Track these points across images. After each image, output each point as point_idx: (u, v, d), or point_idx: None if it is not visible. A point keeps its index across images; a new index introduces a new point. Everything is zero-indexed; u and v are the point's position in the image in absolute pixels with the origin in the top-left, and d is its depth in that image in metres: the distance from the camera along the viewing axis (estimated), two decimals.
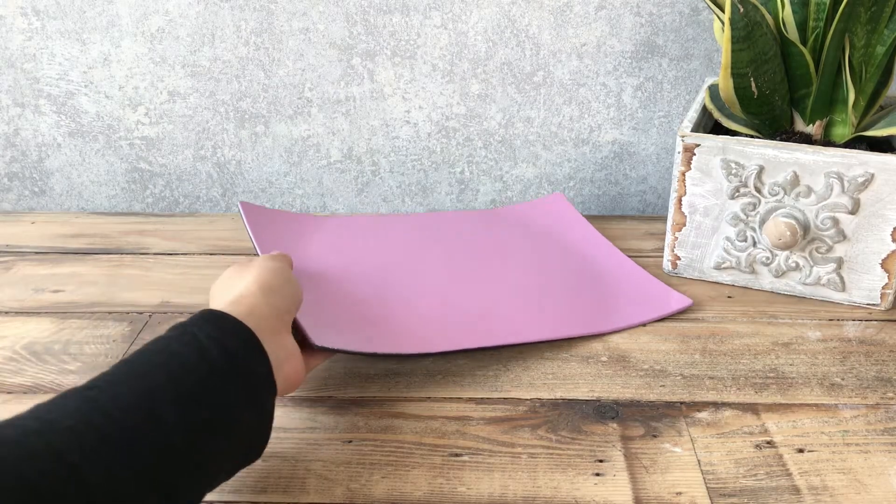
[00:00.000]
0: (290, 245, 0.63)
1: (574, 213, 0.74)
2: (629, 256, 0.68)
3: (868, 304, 0.60)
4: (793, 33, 0.58)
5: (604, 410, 0.50)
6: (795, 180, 0.57)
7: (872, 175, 0.55)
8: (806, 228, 0.58)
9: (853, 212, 0.56)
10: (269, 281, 0.47)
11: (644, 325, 0.59)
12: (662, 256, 0.67)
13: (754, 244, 0.61)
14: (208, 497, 0.44)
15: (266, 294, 0.45)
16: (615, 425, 0.49)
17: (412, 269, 0.63)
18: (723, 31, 0.56)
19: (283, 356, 0.44)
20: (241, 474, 0.45)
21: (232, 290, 0.46)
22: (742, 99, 0.59)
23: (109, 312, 0.61)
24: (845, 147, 0.59)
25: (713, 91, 0.65)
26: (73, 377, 0.54)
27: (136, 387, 0.37)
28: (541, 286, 0.62)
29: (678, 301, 0.61)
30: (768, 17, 0.57)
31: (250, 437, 0.41)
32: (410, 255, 0.66)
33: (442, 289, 0.61)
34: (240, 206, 0.64)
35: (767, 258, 0.61)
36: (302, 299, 0.49)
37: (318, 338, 0.48)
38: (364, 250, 0.66)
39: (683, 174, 0.60)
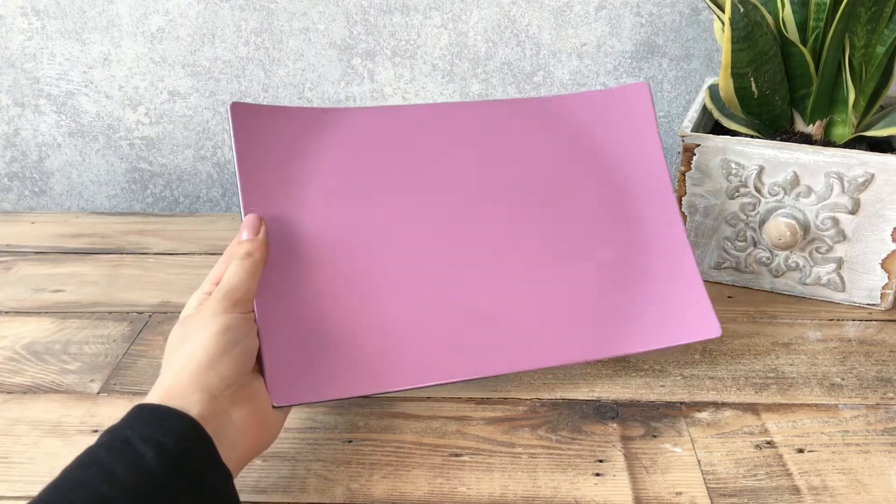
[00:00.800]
0: (281, 176, 0.50)
1: (650, 126, 0.58)
2: None
3: (868, 305, 0.60)
4: (793, 33, 0.58)
5: (604, 410, 0.50)
6: (795, 180, 0.57)
7: (872, 175, 0.55)
8: (806, 228, 0.58)
9: (853, 212, 0.56)
10: (206, 347, 0.41)
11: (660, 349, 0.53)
12: None
13: (754, 244, 0.61)
14: None
15: (213, 361, 0.41)
16: (615, 425, 0.49)
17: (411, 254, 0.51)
18: (723, 31, 0.56)
19: (243, 425, 0.40)
20: (242, 473, 0.45)
21: (173, 361, 0.41)
22: (742, 99, 0.59)
23: (109, 312, 0.61)
24: (845, 147, 0.59)
25: (713, 91, 0.65)
26: (73, 377, 0.54)
27: None
28: (571, 280, 0.52)
29: (709, 329, 0.52)
30: (768, 17, 0.57)
31: None
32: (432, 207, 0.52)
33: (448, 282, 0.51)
34: (229, 110, 0.51)
35: (767, 258, 0.61)
36: (250, 344, 0.43)
37: (279, 397, 0.44)
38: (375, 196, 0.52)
39: (683, 174, 0.60)
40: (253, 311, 0.45)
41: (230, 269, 0.45)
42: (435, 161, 0.53)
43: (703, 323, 0.52)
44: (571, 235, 0.53)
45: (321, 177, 0.51)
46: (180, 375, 0.40)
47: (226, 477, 0.38)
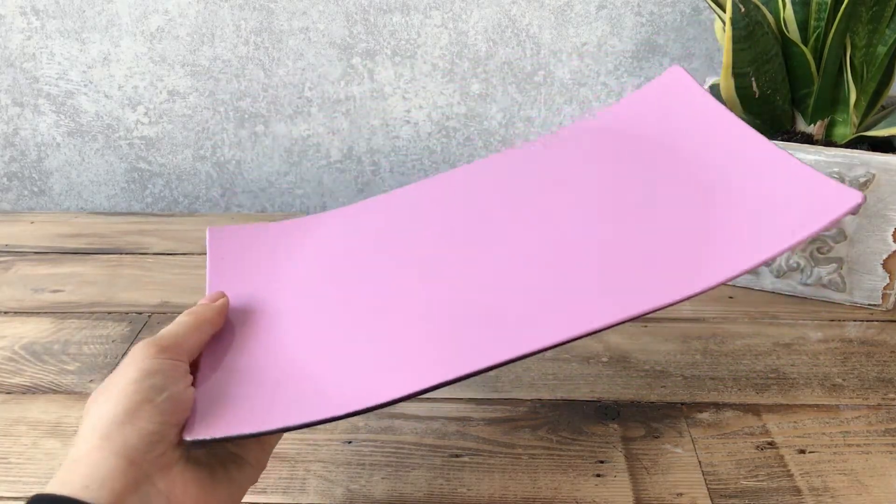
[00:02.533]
0: (254, 279, 0.46)
1: (699, 97, 0.49)
2: None
3: (869, 305, 0.60)
4: (794, 33, 0.58)
5: (604, 411, 0.50)
6: None
7: (874, 175, 0.55)
8: None
9: (854, 212, 0.56)
10: (105, 420, 0.33)
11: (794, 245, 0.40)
12: None
13: None
14: None
15: (107, 441, 0.32)
16: (616, 426, 0.49)
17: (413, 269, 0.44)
18: (724, 30, 0.55)
19: (176, 499, 0.33)
20: None
21: (85, 422, 0.34)
22: (743, 99, 0.59)
23: (109, 312, 0.61)
24: (847, 147, 0.59)
25: (714, 91, 0.65)
26: (73, 377, 0.54)
27: None
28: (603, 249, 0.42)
29: (845, 198, 0.39)
30: (769, 16, 0.57)
31: None
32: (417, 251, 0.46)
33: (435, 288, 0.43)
34: (207, 233, 0.49)
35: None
36: (182, 400, 0.35)
37: (189, 431, 0.35)
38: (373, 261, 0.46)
39: None
40: (185, 360, 0.37)
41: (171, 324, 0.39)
42: (445, 234, 0.46)
43: (829, 195, 0.40)
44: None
45: (295, 284, 0.46)
46: (91, 440, 0.32)
47: None
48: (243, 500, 0.44)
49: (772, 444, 0.47)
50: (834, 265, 0.59)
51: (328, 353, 0.41)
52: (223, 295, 0.43)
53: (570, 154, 0.49)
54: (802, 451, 0.47)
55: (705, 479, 0.45)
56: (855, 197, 0.39)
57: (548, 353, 0.56)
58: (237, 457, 0.37)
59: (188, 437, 0.34)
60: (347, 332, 0.42)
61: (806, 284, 0.61)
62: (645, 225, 0.43)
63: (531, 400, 0.51)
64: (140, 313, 0.61)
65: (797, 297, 0.62)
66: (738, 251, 0.40)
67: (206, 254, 0.62)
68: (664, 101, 0.50)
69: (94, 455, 0.32)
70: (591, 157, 0.48)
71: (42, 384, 0.53)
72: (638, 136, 0.49)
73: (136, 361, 0.35)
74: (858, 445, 0.47)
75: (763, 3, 0.57)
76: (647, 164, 0.47)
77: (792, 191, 0.41)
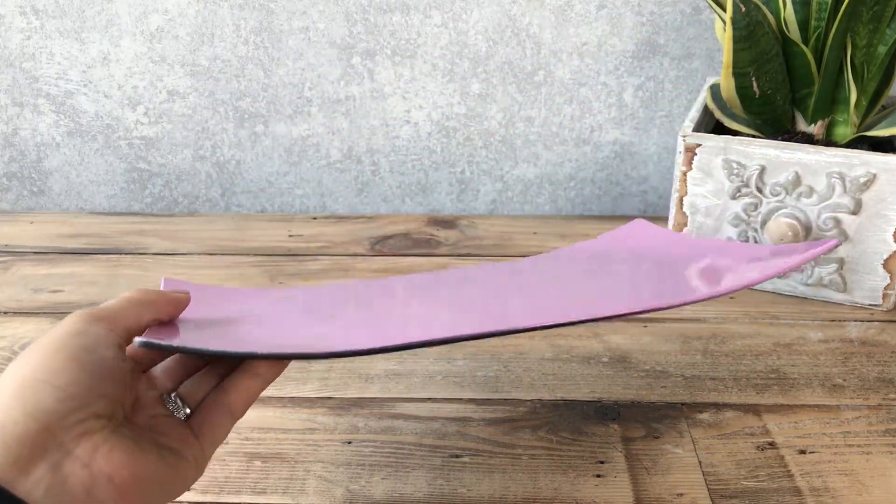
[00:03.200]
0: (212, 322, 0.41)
1: (665, 235, 0.55)
2: None
3: (870, 305, 0.60)
4: (794, 33, 0.58)
5: (605, 411, 0.50)
6: (797, 180, 0.57)
7: (874, 175, 0.55)
8: (807, 229, 0.58)
9: (855, 212, 0.56)
10: (22, 373, 0.29)
11: (786, 272, 0.45)
12: None
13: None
14: (207, 498, 0.43)
15: (19, 397, 0.28)
16: (616, 426, 0.49)
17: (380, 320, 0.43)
18: (724, 30, 0.55)
19: (82, 481, 0.27)
20: (241, 474, 0.45)
21: None
22: (743, 99, 0.59)
23: None
24: (847, 147, 0.59)
25: (715, 91, 0.65)
26: None
27: None
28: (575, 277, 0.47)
29: (822, 245, 0.45)
30: (770, 16, 0.57)
31: None
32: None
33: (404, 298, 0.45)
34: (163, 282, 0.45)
35: None
36: (116, 369, 0.31)
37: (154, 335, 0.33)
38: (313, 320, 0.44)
39: (685, 174, 0.60)
40: (121, 334, 0.33)
41: None
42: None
43: (811, 246, 0.46)
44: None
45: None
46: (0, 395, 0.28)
47: None
48: (243, 501, 0.44)
49: (772, 445, 0.47)
50: (834, 265, 0.59)
51: (304, 331, 0.41)
52: (185, 294, 0.38)
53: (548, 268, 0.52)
54: (803, 452, 0.47)
55: (705, 480, 0.45)
56: (831, 243, 0.46)
57: (548, 354, 0.56)
58: (170, 448, 0.32)
59: (139, 339, 0.32)
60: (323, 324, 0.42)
61: (806, 284, 0.61)
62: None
63: (531, 400, 0.51)
64: None
65: (798, 297, 0.62)
66: (733, 275, 0.44)
67: (205, 254, 0.62)
68: (639, 234, 0.55)
69: (3, 415, 0.27)
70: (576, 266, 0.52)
71: None
72: (616, 251, 0.53)
73: (65, 324, 0.31)
74: (859, 446, 0.47)
75: (763, 3, 0.57)
76: (636, 261, 0.51)
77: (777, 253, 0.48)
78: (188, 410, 0.35)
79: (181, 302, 0.38)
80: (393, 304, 0.45)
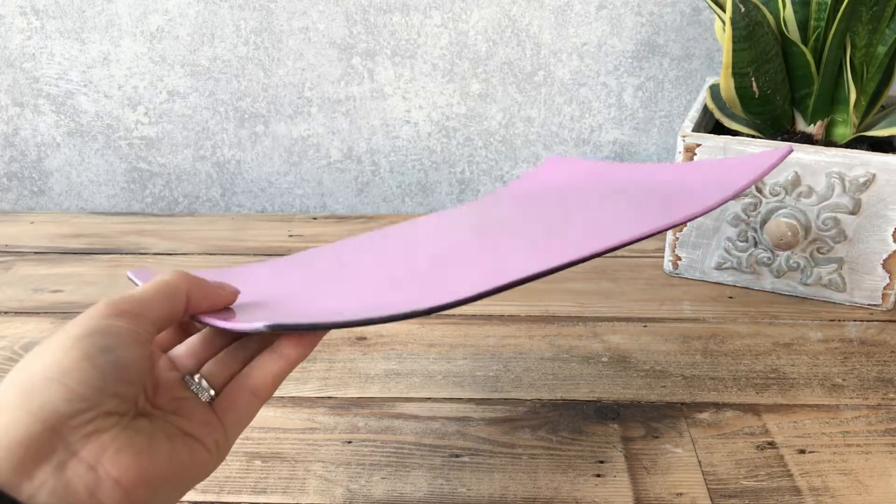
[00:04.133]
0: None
1: (579, 165, 0.55)
2: (629, 257, 0.68)
3: (869, 305, 0.60)
4: (794, 33, 0.58)
5: (604, 411, 0.50)
6: (797, 180, 0.57)
7: (874, 175, 0.55)
8: (807, 229, 0.58)
9: (854, 212, 0.56)
10: (30, 372, 0.28)
11: (744, 190, 0.42)
12: (663, 257, 0.67)
13: (755, 244, 0.61)
14: (207, 497, 0.44)
15: (25, 397, 0.27)
16: (616, 426, 0.49)
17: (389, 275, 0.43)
18: (724, 30, 0.55)
19: (86, 483, 0.27)
20: (241, 474, 0.45)
21: (6, 379, 0.28)
22: (743, 99, 0.59)
23: None
24: (847, 147, 0.59)
25: (714, 91, 0.65)
26: None
27: None
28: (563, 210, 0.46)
29: (773, 154, 0.44)
30: (769, 16, 0.57)
31: None
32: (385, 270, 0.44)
33: (423, 250, 0.44)
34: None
35: (768, 258, 0.61)
36: (136, 365, 0.29)
37: (264, 318, 0.33)
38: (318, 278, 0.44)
39: None
40: (147, 329, 0.31)
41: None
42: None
43: (763, 156, 0.45)
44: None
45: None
46: (7, 395, 0.27)
47: None
48: (242, 501, 0.44)
49: (772, 444, 0.47)
50: (834, 265, 0.59)
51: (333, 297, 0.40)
52: (233, 292, 0.37)
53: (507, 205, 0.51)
54: (802, 451, 0.47)
55: (705, 479, 0.45)
56: (783, 150, 0.44)
57: (548, 353, 0.56)
58: (189, 436, 0.31)
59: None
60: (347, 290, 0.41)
61: (806, 284, 0.61)
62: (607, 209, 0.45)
63: (531, 400, 0.51)
64: None
65: (797, 297, 0.62)
66: (692, 199, 0.42)
67: (205, 254, 0.62)
68: (564, 170, 0.54)
69: (8, 415, 0.26)
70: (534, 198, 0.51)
71: None
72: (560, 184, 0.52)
73: (84, 319, 0.30)
74: (858, 445, 0.47)
75: (763, 3, 0.57)
76: (589, 188, 0.50)
77: (728, 165, 0.46)
78: (213, 392, 0.33)
79: (220, 290, 0.36)
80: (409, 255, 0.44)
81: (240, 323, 0.34)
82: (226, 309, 0.36)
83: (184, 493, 0.31)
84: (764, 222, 0.59)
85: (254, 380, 0.34)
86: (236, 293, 0.37)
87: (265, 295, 0.40)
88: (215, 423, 0.33)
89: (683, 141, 0.59)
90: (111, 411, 0.28)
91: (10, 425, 0.26)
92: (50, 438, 0.26)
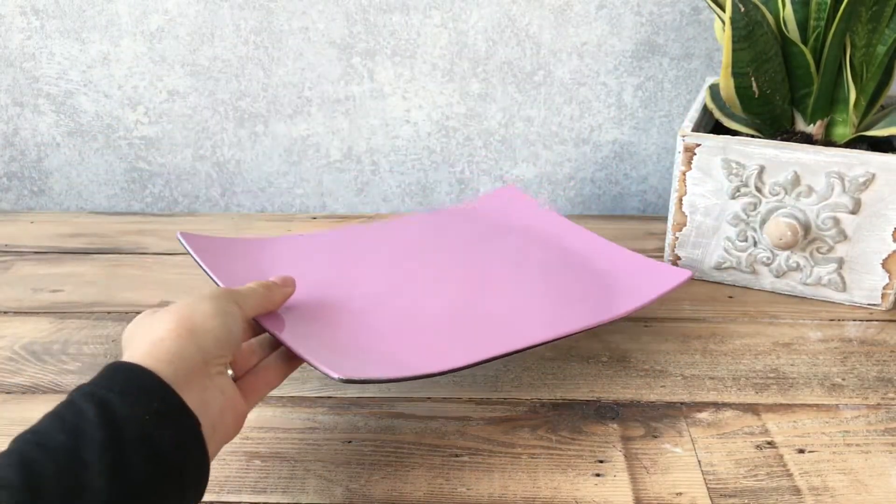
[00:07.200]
0: (252, 273, 0.52)
1: (534, 204, 0.68)
2: None
3: (869, 305, 0.60)
4: (793, 32, 0.58)
5: (604, 411, 0.50)
6: (796, 180, 0.57)
7: (873, 175, 0.55)
8: (807, 228, 0.58)
9: (854, 212, 0.56)
10: (192, 317, 0.39)
11: (651, 302, 0.53)
12: (663, 256, 0.67)
13: (755, 244, 0.61)
14: (207, 497, 0.44)
15: (190, 333, 0.38)
16: (615, 426, 0.49)
17: (399, 282, 0.55)
18: (723, 30, 0.55)
19: (218, 406, 0.38)
20: (241, 474, 0.45)
21: (147, 333, 0.39)
22: (743, 98, 0.59)
23: (108, 312, 0.61)
24: (846, 147, 0.59)
25: (714, 90, 0.65)
26: (72, 377, 0.54)
27: None
28: (539, 283, 0.56)
29: (678, 274, 0.56)
30: (769, 16, 0.57)
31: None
32: (392, 268, 0.57)
33: (439, 299, 0.53)
34: (180, 237, 0.54)
35: (768, 258, 0.61)
36: (240, 335, 0.41)
37: (338, 370, 0.41)
38: (339, 269, 0.56)
39: (684, 174, 0.60)
40: (246, 315, 0.43)
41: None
42: (383, 261, 0.58)
43: (668, 272, 0.57)
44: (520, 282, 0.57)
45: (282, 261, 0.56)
46: (170, 325, 0.38)
47: (202, 454, 0.36)
48: (242, 501, 0.44)
49: (771, 444, 0.47)
50: (833, 265, 0.59)
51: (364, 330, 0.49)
52: (293, 284, 0.48)
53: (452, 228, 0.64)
54: (802, 451, 0.47)
55: (705, 479, 0.45)
56: (685, 273, 0.56)
57: (548, 353, 0.56)
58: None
59: (341, 377, 0.40)
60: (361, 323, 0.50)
61: (806, 284, 0.61)
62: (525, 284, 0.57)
63: (531, 399, 0.51)
64: (140, 313, 0.61)
65: (797, 296, 0.62)
66: (594, 308, 0.53)
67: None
68: (505, 206, 0.68)
69: (179, 343, 0.37)
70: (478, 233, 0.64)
71: (42, 384, 0.53)
72: (498, 222, 0.66)
73: (217, 297, 0.41)
74: (858, 445, 0.47)
75: (763, 3, 0.57)
76: (512, 241, 0.63)
77: (631, 268, 0.58)
78: (231, 373, 0.42)
79: (288, 294, 0.47)
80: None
81: (307, 355, 0.43)
82: (276, 315, 0.47)
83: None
84: (763, 222, 0.59)
85: (269, 375, 0.45)
86: (292, 290, 0.48)
87: (303, 294, 0.50)
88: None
89: (683, 140, 0.59)
90: (226, 362, 0.40)
91: (181, 351, 0.37)
92: (203, 366, 0.38)
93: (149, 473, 0.33)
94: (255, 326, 0.46)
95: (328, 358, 0.43)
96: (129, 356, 0.37)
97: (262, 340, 0.46)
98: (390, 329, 0.49)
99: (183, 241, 0.53)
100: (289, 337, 0.45)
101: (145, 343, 0.37)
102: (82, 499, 0.31)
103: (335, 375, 0.40)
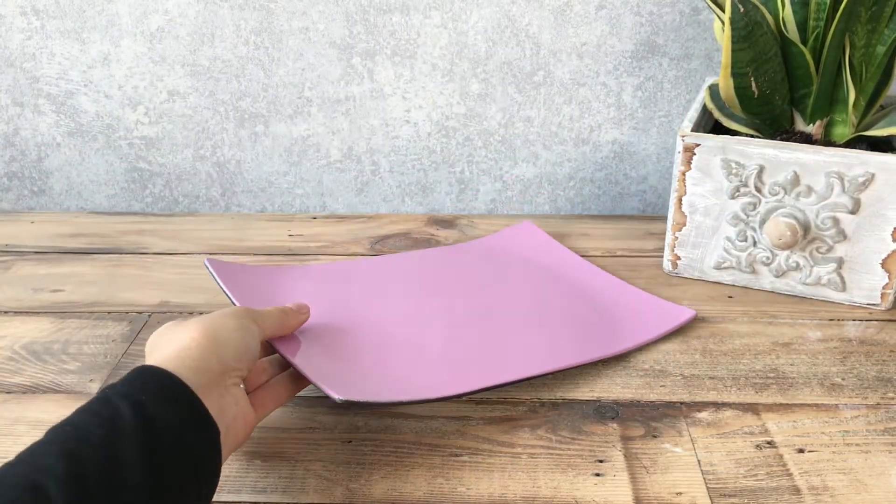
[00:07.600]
0: (269, 299, 0.56)
1: (549, 240, 0.70)
2: (628, 257, 0.68)
3: (868, 304, 0.60)
4: (793, 33, 0.58)
5: (604, 410, 0.50)
6: (796, 180, 0.57)
7: (873, 175, 0.55)
8: (806, 228, 0.58)
9: (853, 211, 0.56)
10: (216, 330, 0.42)
11: (654, 339, 0.57)
12: (663, 256, 0.67)
13: (754, 244, 0.61)
14: None
15: (213, 344, 0.41)
16: (615, 425, 0.49)
17: (408, 313, 0.58)
18: (723, 30, 0.55)
19: (232, 414, 0.41)
20: (241, 474, 0.45)
21: (173, 342, 0.41)
22: (742, 98, 0.59)
23: (109, 312, 0.61)
24: (846, 147, 0.59)
25: (713, 91, 0.65)
26: (73, 377, 0.54)
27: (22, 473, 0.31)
28: (541, 315, 0.59)
29: (682, 313, 0.59)
30: (769, 16, 0.57)
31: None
32: (401, 299, 0.60)
33: (445, 329, 0.56)
34: (207, 264, 0.57)
35: (768, 258, 0.61)
36: (257, 351, 0.44)
37: (340, 392, 0.44)
38: (350, 299, 0.59)
39: (684, 174, 0.60)
40: (264, 334, 0.46)
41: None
42: (397, 291, 0.62)
43: (673, 311, 0.60)
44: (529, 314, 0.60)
45: (301, 290, 0.59)
46: (195, 334, 0.41)
47: (216, 460, 0.38)
48: (242, 500, 0.44)
49: (771, 444, 0.47)
50: (833, 264, 0.59)
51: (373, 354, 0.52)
52: (308, 311, 0.51)
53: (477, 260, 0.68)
54: (801, 451, 0.47)
55: (704, 479, 0.45)
56: (688, 312, 0.59)
57: None
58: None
59: (341, 398, 0.43)
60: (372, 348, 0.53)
61: (805, 284, 0.61)
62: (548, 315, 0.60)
63: (530, 399, 0.51)
64: (140, 313, 0.61)
65: (796, 296, 0.62)
66: (605, 342, 0.56)
67: (205, 254, 0.63)
68: (521, 241, 0.71)
69: (201, 352, 0.40)
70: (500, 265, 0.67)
71: (42, 384, 0.53)
72: (516, 256, 0.68)
73: (238, 314, 0.44)
74: (857, 445, 0.47)
75: (762, 3, 0.57)
76: (532, 276, 0.65)
77: (639, 305, 0.61)
78: (243, 387, 0.44)
79: (303, 321, 0.51)
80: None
81: (313, 376, 0.46)
82: (293, 338, 0.50)
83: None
84: (763, 222, 0.59)
85: (278, 392, 0.47)
86: (307, 316, 0.52)
87: (317, 321, 0.53)
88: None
89: (682, 140, 0.59)
90: (242, 375, 0.43)
91: (205, 360, 0.40)
92: (221, 377, 0.40)
93: (180, 476, 0.35)
94: (268, 347, 0.49)
95: (331, 380, 0.46)
96: (154, 361, 0.40)
97: (272, 360, 0.49)
98: (393, 356, 0.52)
99: (210, 269, 0.56)
100: (297, 358, 0.48)
101: (172, 349, 0.40)
102: (124, 494, 0.32)
103: (336, 397, 0.43)
